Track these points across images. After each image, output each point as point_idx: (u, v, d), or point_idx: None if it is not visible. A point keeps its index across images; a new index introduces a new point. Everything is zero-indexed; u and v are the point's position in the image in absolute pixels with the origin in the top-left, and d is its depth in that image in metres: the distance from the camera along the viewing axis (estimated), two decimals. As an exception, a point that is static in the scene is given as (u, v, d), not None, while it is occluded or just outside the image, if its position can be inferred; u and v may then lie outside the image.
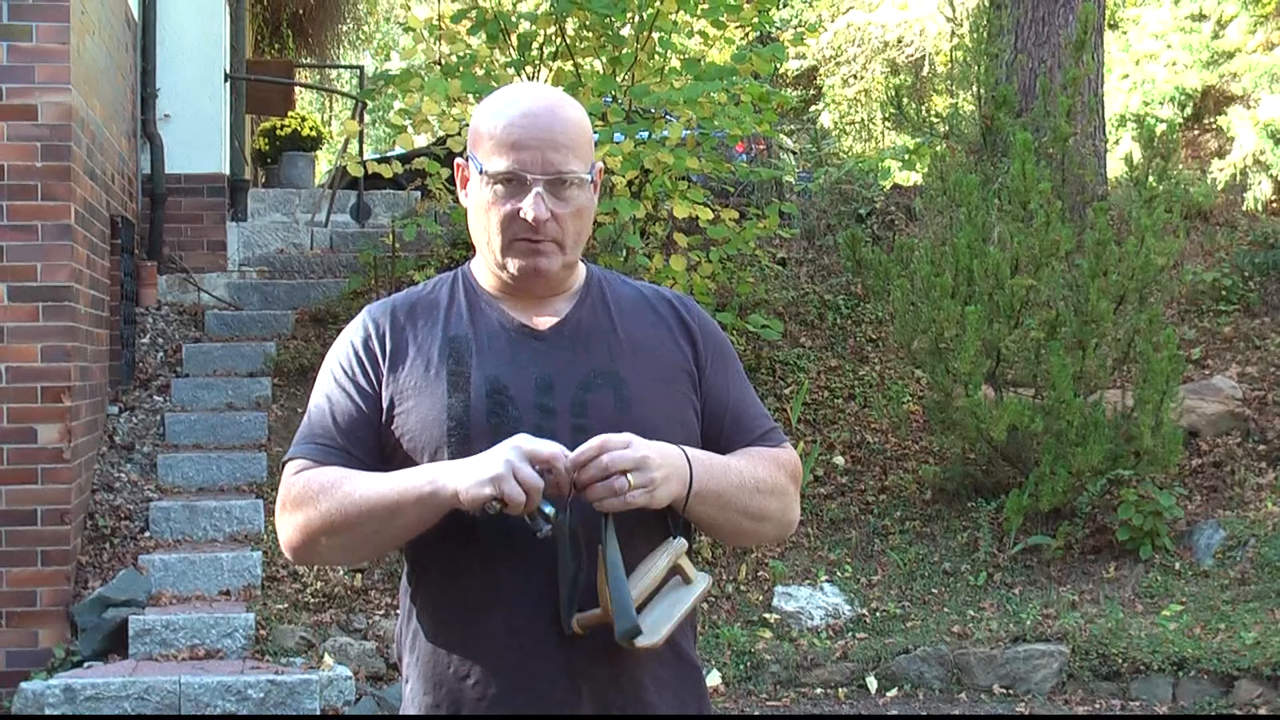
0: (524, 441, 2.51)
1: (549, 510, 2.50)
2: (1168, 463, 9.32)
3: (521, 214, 2.65)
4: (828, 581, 9.12)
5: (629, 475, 2.51)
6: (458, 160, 2.79)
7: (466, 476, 2.51)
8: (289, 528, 2.71)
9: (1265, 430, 10.36)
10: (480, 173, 2.68)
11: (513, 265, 2.70)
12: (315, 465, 2.71)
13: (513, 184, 2.65)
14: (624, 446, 2.52)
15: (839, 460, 10.33)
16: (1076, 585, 9.07)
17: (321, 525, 2.65)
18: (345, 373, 2.77)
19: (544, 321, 2.76)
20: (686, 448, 2.66)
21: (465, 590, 2.66)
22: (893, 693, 8.22)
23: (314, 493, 2.66)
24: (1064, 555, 9.32)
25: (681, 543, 2.64)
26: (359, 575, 8.77)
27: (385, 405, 2.72)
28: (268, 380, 10.50)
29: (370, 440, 2.72)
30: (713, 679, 8.11)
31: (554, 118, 2.66)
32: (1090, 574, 9.20)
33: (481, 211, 2.70)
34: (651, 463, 2.53)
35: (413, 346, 2.74)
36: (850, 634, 8.67)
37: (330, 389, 2.77)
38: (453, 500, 2.53)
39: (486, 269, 2.79)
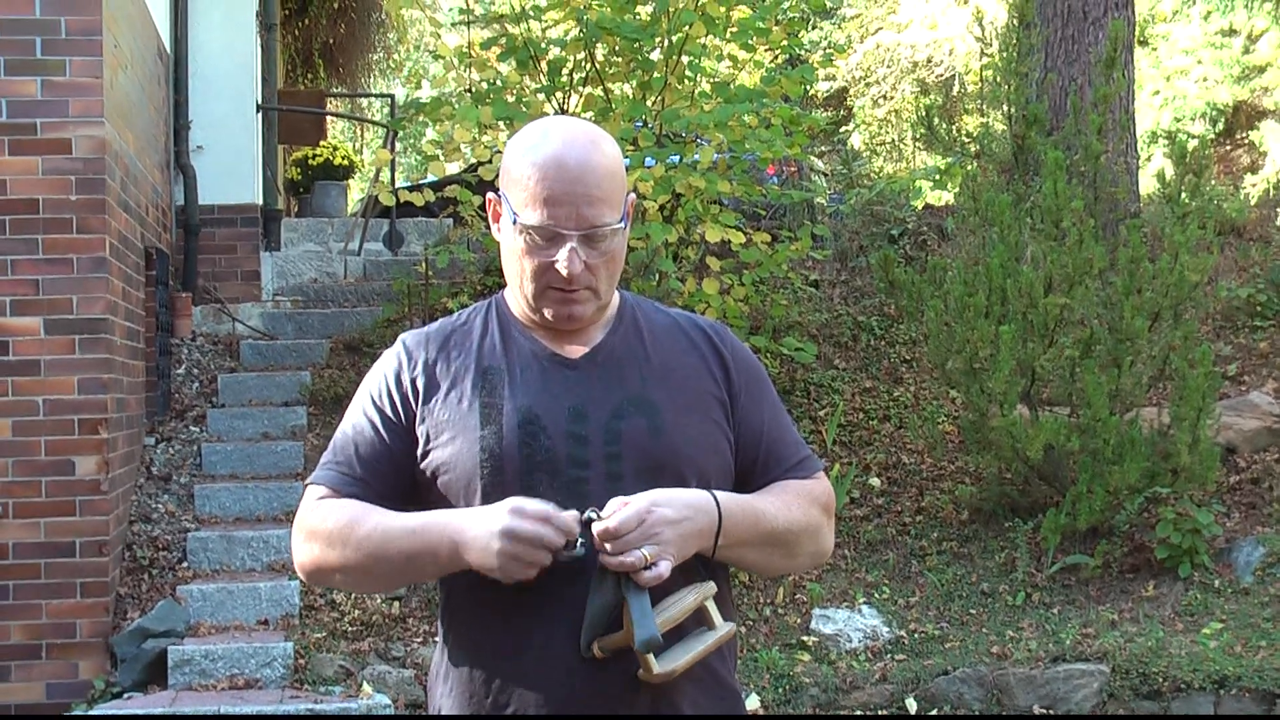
0: (515, 504, 2.55)
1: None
2: (1205, 480, 9.27)
3: (556, 266, 2.64)
4: (866, 603, 9.09)
5: (644, 550, 2.52)
6: (489, 195, 2.78)
7: (477, 550, 2.56)
8: (304, 555, 2.77)
9: (1303, 446, 10.30)
10: (514, 221, 2.67)
11: (548, 312, 2.71)
12: (335, 494, 2.75)
13: (547, 237, 2.64)
14: (633, 527, 2.53)
15: (875, 481, 10.30)
16: (1116, 604, 9.03)
17: (338, 565, 2.73)
18: (374, 404, 2.79)
19: (576, 350, 2.76)
20: (720, 494, 2.66)
21: (502, 620, 2.66)
22: (933, 714, 8.19)
23: (331, 532, 2.71)
24: (1102, 574, 9.28)
25: (711, 586, 2.64)
26: (396, 603, 8.78)
27: (420, 439, 2.73)
28: (303, 409, 10.52)
29: (390, 474, 2.76)
30: (752, 702, 8.09)
31: (586, 169, 2.62)
32: (1129, 592, 9.15)
33: (514, 257, 2.70)
34: (664, 536, 2.54)
35: (446, 379, 2.75)
36: (889, 656, 8.65)
37: (358, 419, 2.81)
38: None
39: (519, 303, 2.80)
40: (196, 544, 9.02)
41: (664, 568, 2.53)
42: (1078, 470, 9.27)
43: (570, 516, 2.52)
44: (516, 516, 2.51)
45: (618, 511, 2.53)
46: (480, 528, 2.55)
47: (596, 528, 2.52)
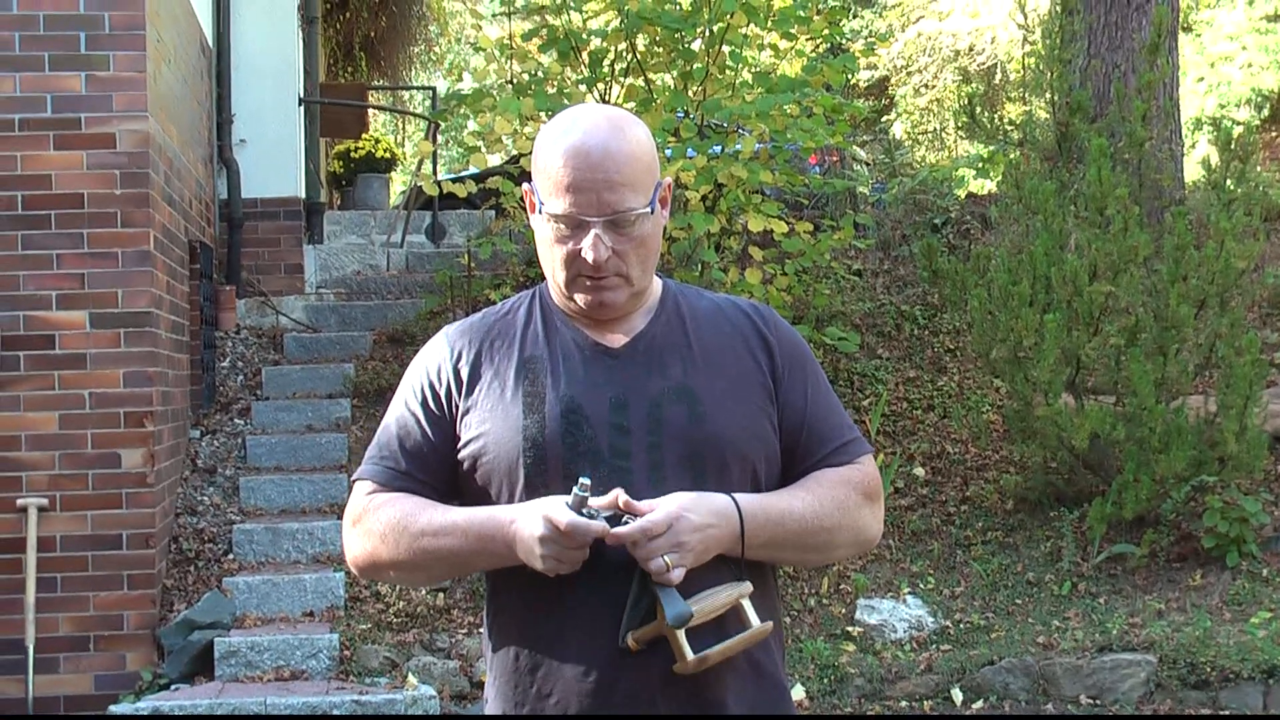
0: (549, 511, 2.56)
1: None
2: (1253, 468, 9.21)
3: (582, 254, 2.64)
4: (910, 593, 9.07)
5: (666, 558, 2.54)
6: (524, 186, 2.77)
7: (523, 551, 2.60)
8: (356, 549, 2.80)
9: (1352, 434, 10.22)
10: (540, 210, 2.68)
11: (580, 300, 2.71)
12: (382, 489, 2.78)
13: (572, 224, 2.64)
14: (662, 531, 2.54)
15: (919, 471, 10.27)
16: (1162, 593, 8.98)
17: (390, 562, 2.75)
18: (417, 398, 2.80)
19: (618, 339, 2.75)
20: (742, 498, 2.65)
21: (545, 612, 2.67)
22: (978, 704, 8.17)
23: (383, 529, 2.73)
24: (1149, 563, 9.23)
25: (747, 586, 2.63)
26: (441, 594, 8.79)
27: (462, 428, 2.74)
28: (347, 402, 10.55)
29: (436, 466, 2.77)
30: (797, 693, 8.08)
31: (607, 155, 2.61)
32: (1176, 582, 9.10)
33: (546, 246, 2.70)
34: (687, 545, 2.55)
35: (489, 370, 2.75)
36: (934, 646, 8.62)
37: (401, 412, 2.83)
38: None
39: (557, 291, 2.79)
40: (242, 536, 9.06)
41: (677, 575, 2.54)
42: (1124, 459, 9.22)
43: (599, 527, 2.53)
44: (547, 526, 2.54)
45: (646, 515, 2.54)
46: (525, 530, 2.58)
47: (621, 530, 2.53)
